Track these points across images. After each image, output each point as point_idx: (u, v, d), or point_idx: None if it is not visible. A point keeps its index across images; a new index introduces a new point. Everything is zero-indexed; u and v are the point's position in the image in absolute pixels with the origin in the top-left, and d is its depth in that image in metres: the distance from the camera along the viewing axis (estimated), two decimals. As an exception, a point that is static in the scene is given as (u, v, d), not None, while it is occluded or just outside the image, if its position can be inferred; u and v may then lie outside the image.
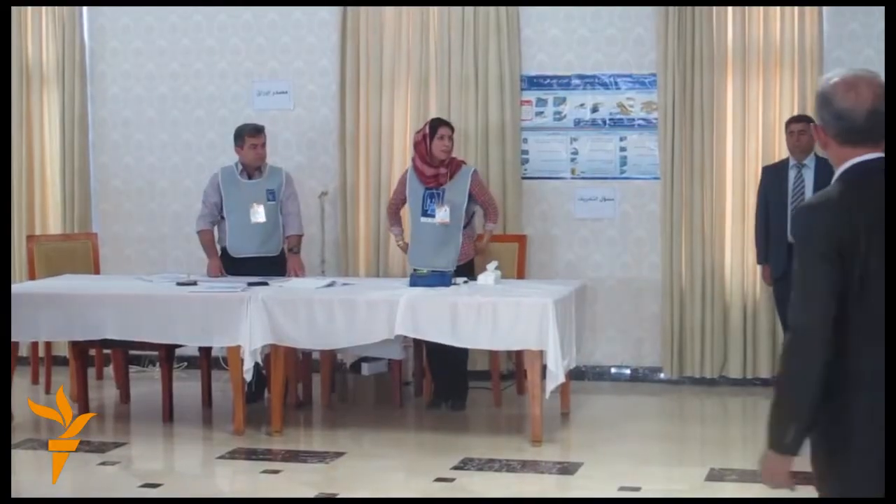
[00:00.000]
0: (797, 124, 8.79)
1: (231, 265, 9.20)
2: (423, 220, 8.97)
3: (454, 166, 9.01)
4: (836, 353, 3.37)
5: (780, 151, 9.41)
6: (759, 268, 9.28)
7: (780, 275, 8.54)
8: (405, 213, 9.33)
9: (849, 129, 3.46)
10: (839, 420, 3.40)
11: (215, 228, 9.33)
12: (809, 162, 8.67)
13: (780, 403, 3.47)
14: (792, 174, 8.85)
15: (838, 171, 3.50)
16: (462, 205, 8.97)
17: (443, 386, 9.09)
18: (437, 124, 9.04)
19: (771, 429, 3.47)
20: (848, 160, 3.48)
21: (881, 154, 3.47)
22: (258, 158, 9.27)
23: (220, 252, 9.29)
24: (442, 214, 8.89)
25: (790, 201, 8.73)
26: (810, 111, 9.31)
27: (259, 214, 9.20)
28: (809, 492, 3.61)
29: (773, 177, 9.00)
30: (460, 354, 8.79)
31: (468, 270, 8.95)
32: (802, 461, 3.51)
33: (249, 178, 9.31)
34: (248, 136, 9.24)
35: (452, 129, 9.07)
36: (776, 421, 3.47)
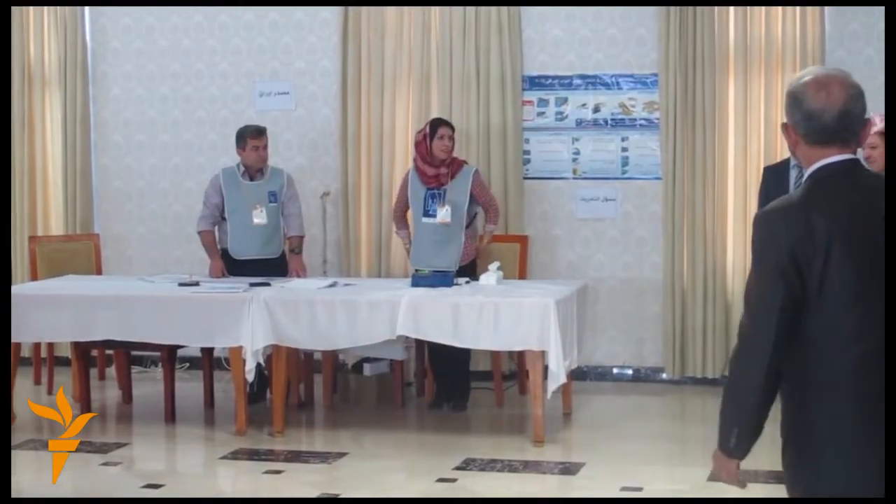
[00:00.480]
0: None
1: (232, 267, 9.20)
2: (425, 220, 8.98)
3: (455, 166, 9.02)
4: (796, 363, 3.37)
5: (782, 151, 9.40)
6: None
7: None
8: (410, 215, 9.33)
9: (819, 129, 3.40)
10: (804, 431, 3.39)
11: (216, 229, 9.33)
12: None
13: (724, 409, 3.52)
14: (793, 174, 8.84)
15: (805, 174, 3.44)
16: (464, 205, 8.97)
17: (444, 386, 9.09)
18: (437, 124, 9.04)
19: (719, 430, 3.52)
20: (816, 161, 3.42)
21: (850, 155, 3.41)
22: (260, 160, 9.27)
23: (220, 253, 9.29)
24: (443, 214, 8.89)
25: None
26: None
27: (260, 216, 9.20)
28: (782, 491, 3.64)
29: (775, 177, 8.98)
30: (463, 355, 8.79)
31: (471, 271, 8.95)
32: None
33: (251, 179, 9.31)
34: (250, 137, 9.23)
35: (453, 128, 9.07)
36: (722, 424, 3.52)
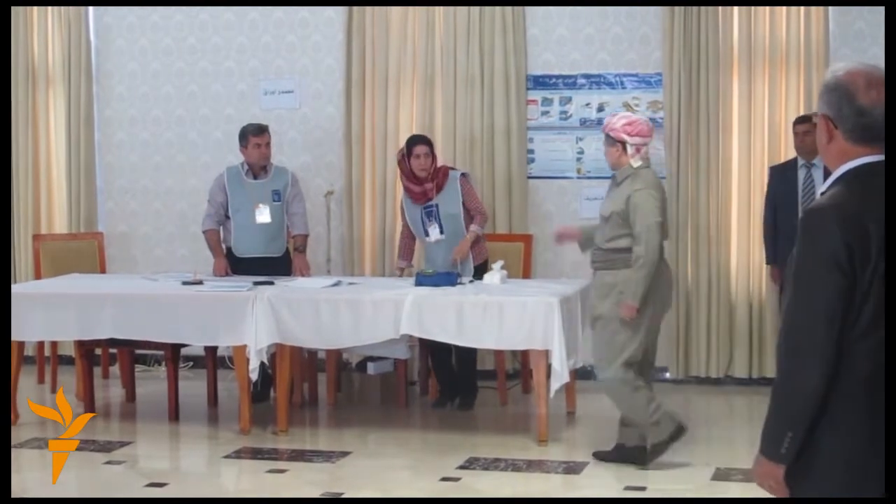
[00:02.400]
0: (801, 125, 8.78)
1: (236, 265, 9.21)
2: (427, 240, 9.02)
3: (441, 176, 8.99)
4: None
5: (786, 151, 9.41)
6: (766, 268, 9.28)
7: (788, 275, 8.52)
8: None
9: (867, 126, 3.30)
10: (812, 443, 3.31)
11: (221, 228, 9.34)
12: (818, 161, 8.66)
13: (775, 412, 3.35)
14: (801, 174, 8.85)
15: (840, 170, 3.34)
16: (458, 215, 8.97)
17: (448, 385, 9.09)
18: (412, 143, 9.03)
19: (766, 436, 3.36)
20: (853, 159, 3.32)
21: (882, 157, 3.32)
22: (262, 158, 9.27)
23: (225, 252, 9.29)
24: (434, 233, 8.93)
25: (801, 201, 8.72)
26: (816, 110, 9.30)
27: (264, 215, 9.21)
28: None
29: (781, 176, 8.99)
30: (469, 353, 8.79)
31: (483, 271, 8.91)
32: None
33: (255, 178, 9.31)
34: (252, 135, 9.24)
35: (430, 143, 9.05)
36: (771, 428, 3.35)
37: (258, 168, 9.30)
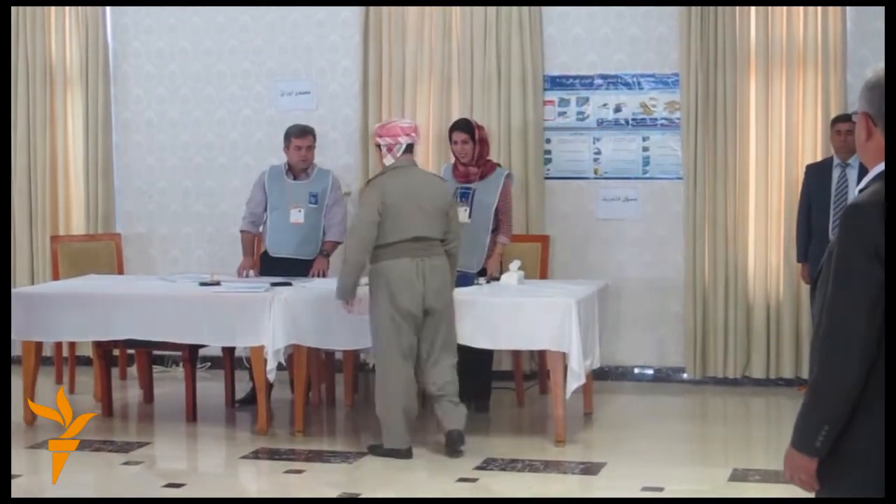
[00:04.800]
0: (843, 124, 8.69)
1: (268, 265, 9.21)
2: None
3: (488, 168, 8.99)
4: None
5: (803, 151, 9.40)
6: (797, 266, 9.23)
7: (818, 274, 8.50)
8: None
9: None
10: (844, 439, 3.32)
11: (259, 228, 9.36)
12: (853, 161, 8.62)
13: (811, 406, 3.35)
14: (836, 173, 8.82)
15: (880, 167, 3.35)
16: (491, 205, 8.91)
17: (464, 387, 9.08)
18: (452, 129, 9.07)
19: (800, 429, 3.38)
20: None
21: None
22: (301, 160, 9.27)
23: (262, 251, 9.33)
24: (462, 215, 8.89)
25: (833, 201, 8.70)
26: (833, 110, 9.30)
27: (298, 216, 9.21)
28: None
29: (817, 175, 8.95)
30: (484, 355, 8.77)
31: (482, 275, 8.88)
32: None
33: (295, 178, 9.32)
34: (294, 137, 9.25)
35: (471, 131, 8.96)
36: (806, 422, 3.36)
37: (299, 170, 9.31)
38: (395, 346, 7.65)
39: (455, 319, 7.90)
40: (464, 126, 9.04)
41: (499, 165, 9.17)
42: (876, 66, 3.43)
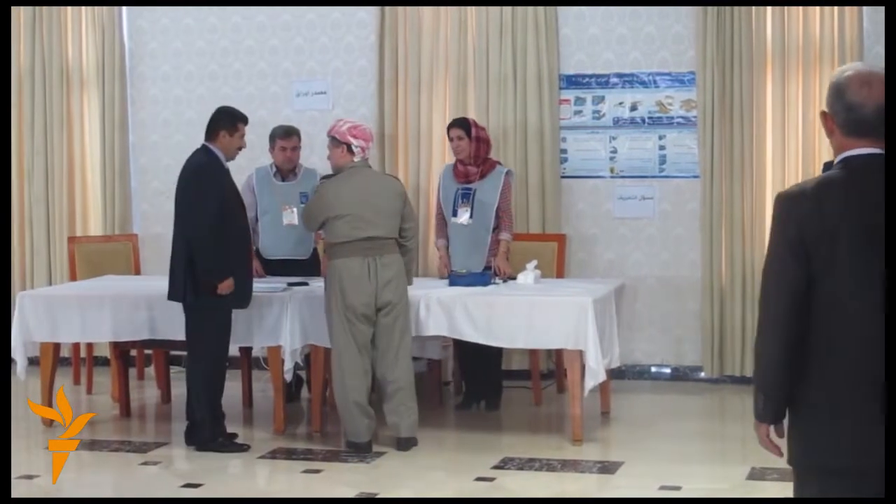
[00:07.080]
0: None
1: (263, 266, 9.22)
2: (453, 219, 8.99)
3: (488, 166, 8.99)
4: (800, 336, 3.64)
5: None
6: None
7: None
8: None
9: (857, 121, 3.60)
10: (799, 397, 3.70)
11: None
12: None
13: (753, 377, 3.83)
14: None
15: (836, 160, 3.67)
16: (493, 206, 8.92)
17: (475, 386, 9.09)
18: (449, 126, 9.11)
19: (753, 400, 3.80)
20: (847, 150, 3.65)
21: (880, 150, 3.59)
22: (287, 161, 9.29)
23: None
24: (464, 216, 8.90)
25: None
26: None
27: (291, 217, 9.22)
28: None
29: None
30: (494, 354, 8.77)
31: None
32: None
33: (283, 180, 9.33)
34: (279, 138, 9.28)
35: (467, 128, 8.98)
36: (754, 392, 3.78)
37: (286, 170, 9.32)
38: (349, 341, 7.77)
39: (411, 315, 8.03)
40: (460, 123, 9.07)
41: (499, 163, 9.17)
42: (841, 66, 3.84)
